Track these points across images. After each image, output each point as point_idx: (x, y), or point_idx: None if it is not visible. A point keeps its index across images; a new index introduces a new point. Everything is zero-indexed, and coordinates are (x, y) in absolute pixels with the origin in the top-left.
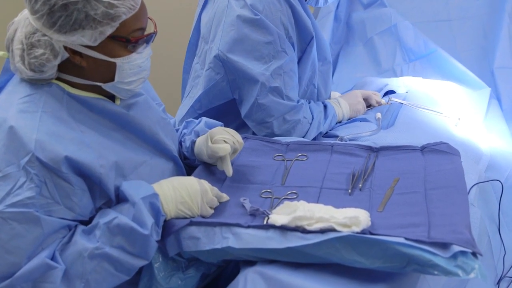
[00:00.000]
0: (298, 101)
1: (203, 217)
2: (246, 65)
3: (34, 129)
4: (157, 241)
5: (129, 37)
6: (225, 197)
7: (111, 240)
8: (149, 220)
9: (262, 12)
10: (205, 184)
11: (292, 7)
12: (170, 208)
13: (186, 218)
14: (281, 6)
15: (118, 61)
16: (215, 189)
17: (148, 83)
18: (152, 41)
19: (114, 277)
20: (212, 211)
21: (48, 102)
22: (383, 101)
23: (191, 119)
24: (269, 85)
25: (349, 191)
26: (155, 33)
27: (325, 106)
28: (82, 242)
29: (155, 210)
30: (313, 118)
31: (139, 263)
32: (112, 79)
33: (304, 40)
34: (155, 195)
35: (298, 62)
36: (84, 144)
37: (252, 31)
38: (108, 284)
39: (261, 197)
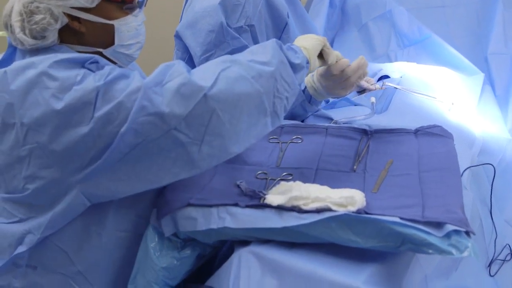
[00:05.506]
0: None
1: None
2: (192, 50)
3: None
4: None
5: None
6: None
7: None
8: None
9: None
10: None
11: None
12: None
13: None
14: None
15: (115, 23)
16: None
17: (137, 67)
18: (145, 5)
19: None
20: None
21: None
22: (378, 85)
23: None
24: None
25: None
26: None
27: None
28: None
29: None
30: None
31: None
32: (112, 43)
33: (278, 27)
34: None
35: None
36: None
37: (202, 17)
38: (239, 85)
39: (257, 178)
